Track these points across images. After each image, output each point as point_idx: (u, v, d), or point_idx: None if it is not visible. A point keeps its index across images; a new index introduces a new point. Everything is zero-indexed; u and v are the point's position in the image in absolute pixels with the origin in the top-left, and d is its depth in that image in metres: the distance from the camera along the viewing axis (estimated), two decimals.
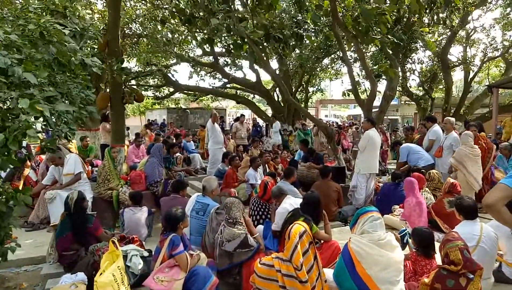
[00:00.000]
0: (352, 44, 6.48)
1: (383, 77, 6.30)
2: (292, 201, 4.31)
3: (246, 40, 5.85)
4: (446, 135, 7.22)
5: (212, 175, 8.27)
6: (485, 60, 18.88)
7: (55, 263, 4.00)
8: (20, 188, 6.73)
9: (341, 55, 17.85)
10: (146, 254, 3.66)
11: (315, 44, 12.64)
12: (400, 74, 16.21)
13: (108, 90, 6.86)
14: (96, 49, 6.68)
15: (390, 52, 7.58)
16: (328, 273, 3.18)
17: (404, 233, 3.99)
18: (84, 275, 3.24)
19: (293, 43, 6.62)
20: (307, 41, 9.71)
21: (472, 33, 18.19)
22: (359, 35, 5.58)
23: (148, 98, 21.07)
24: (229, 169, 7.05)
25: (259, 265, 3.08)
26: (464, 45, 18.70)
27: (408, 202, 5.35)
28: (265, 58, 6.94)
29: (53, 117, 2.63)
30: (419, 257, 3.43)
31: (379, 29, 5.70)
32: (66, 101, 3.06)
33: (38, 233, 5.55)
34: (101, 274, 3.02)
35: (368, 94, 7.90)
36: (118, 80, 6.28)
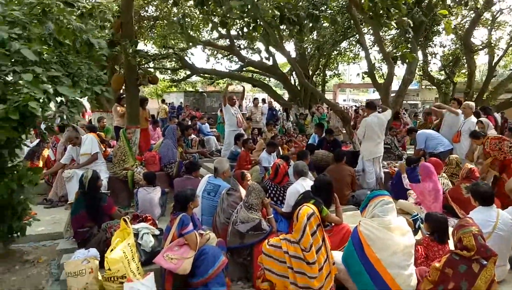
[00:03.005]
0: (369, 26, 6.28)
1: (401, 60, 6.10)
2: (305, 183, 4.29)
3: (260, 22, 5.74)
4: (465, 120, 7.02)
5: (225, 157, 8.32)
6: (510, 43, 18.16)
7: (71, 239, 4.11)
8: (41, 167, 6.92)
9: (358, 38, 17.58)
10: (157, 232, 3.72)
11: (332, 27, 12.35)
12: (421, 57, 15.76)
13: (122, 72, 6.87)
14: (110, 30, 6.67)
15: (411, 34, 7.35)
16: (337, 256, 3.16)
17: (416, 217, 3.93)
18: (96, 251, 3.32)
19: (310, 25, 6.45)
20: (324, 23, 9.48)
21: (498, 15, 17.47)
22: (376, 17, 5.39)
23: (165, 81, 21.18)
24: (242, 151, 7.05)
25: (267, 246, 3.09)
26: (489, 28, 17.98)
27: (424, 186, 5.26)
28: (279, 41, 6.80)
29: (58, 98, 2.64)
30: (432, 242, 3.38)
31: (397, 11, 5.50)
32: (75, 78, 3.06)
33: (56, 210, 5.72)
34: (112, 250, 3.09)
35: (385, 78, 7.73)
36: (132, 63, 6.29)
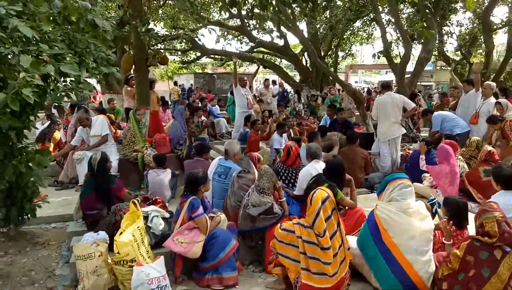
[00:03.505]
0: (385, 3, 6.03)
1: (418, 38, 5.87)
2: (318, 166, 4.17)
3: (271, 0, 5.55)
4: (484, 100, 6.76)
5: (235, 139, 8.23)
6: None
7: (81, 222, 4.08)
8: (51, 149, 6.92)
9: (372, 16, 17.11)
10: (167, 215, 3.66)
11: (345, 5, 11.99)
12: (437, 37, 15.28)
13: (132, 52, 6.74)
14: (120, 10, 6.52)
15: (428, 11, 7.05)
16: (352, 240, 3.07)
17: (433, 201, 3.80)
18: (105, 234, 3.27)
19: (324, 3, 6.23)
20: (337, 1, 9.17)
21: None
22: None
23: (175, 63, 21.00)
24: (251, 132, 6.94)
25: (279, 230, 2.99)
26: (509, 5, 17.28)
27: (440, 169, 5.10)
28: (292, 19, 6.57)
29: (63, 78, 2.53)
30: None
31: None
32: (81, 57, 2.95)
33: (67, 192, 5.71)
34: (121, 233, 3.03)
35: (400, 58, 7.44)
36: (143, 42, 6.15)
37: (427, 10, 6.94)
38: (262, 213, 3.49)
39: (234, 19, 16.63)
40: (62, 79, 3.07)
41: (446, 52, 18.09)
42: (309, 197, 2.88)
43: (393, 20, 14.90)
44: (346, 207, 3.76)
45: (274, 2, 5.49)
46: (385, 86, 6.25)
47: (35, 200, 4.09)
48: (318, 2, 5.70)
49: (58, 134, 7.17)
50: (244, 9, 11.06)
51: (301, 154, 4.92)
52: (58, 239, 4.06)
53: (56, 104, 3.07)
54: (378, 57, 7.10)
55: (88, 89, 3.31)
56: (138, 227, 3.09)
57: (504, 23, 17.56)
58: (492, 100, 6.65)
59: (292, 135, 7.83)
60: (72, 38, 3.31)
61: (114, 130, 6.53)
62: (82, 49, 3.33)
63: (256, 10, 5.52)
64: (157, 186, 4.90)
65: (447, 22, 14.91)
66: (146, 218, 3.44)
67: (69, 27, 3.16)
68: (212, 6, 14.79)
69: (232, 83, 8.81)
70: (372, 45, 21.99)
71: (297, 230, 2.84)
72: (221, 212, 3.64)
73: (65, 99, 3.26)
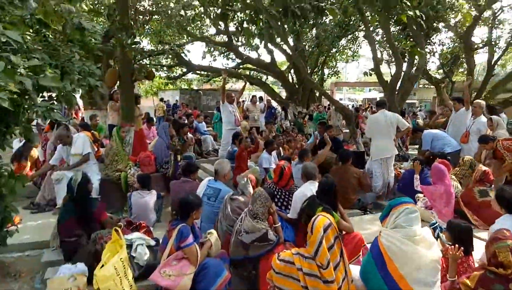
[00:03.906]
0: (377, 19, 5.98)
1: (408, 56, 5.84)
2: (312, 187, 3.96)
3: (261, 15, 5.44)
4: (474, 119, 6.73)
5: (224, 157, 7.99)
6: (511, 41, 17.97)
7: (57, 250, 3.76)
8: (28, 168, 6.54)
9: (358, 35, 17.31)
10: (153, 243, 3.38)
11: (332, 23, 12.06)
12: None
13: (117, 67, 6.52)
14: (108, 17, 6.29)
15: (416, 28, 7.05)
16: (353, 270, 2.85)
17: (435, 225, 3.63)
18: (84, 266, 2.97)
19: (313, 18, 6.14)
20: (327, 19, 9.16)
21: (498, 14, 17.25)
22: (387, 10, 5.11)
23: (161, 78, 20.78)
24: (239, 149, 6.72)
25: (277, 261, 2.75)
26: (489, 25, 17.77)
27: (435, 189, 4.96)
28: (284, 35, 6.46)
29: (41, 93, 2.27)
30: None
31: (407, 3, 5.20)
32: (64, 69, 2.70)
33: (44, 215, 5.32)
34: (102, 266, 2.74)
35: (388, 76, 7.40)
36: (128, 56, 5.93)
37: (414, 27, 6.93)
38: (255, 240, 3.25)
39: (221, 35, 16.56)
40: (40, 95, 2.80)
41: (428, 70, 18.37)
42: (310, 225, 2.66)
43: (380, 38, 15.19)
44: (343, 232, 3.55)
45: (263, 17, 5.37)
46: (380, 104, 6.15)
47: (7, 226, 3.75)
48: (310, 16, 5.60)
49: (35, 152, 6.80)
50: (233, 24, 10.99)
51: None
52: (31, 269, 3.72)
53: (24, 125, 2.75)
54: (370, 75, 7.04)
55: (73, 104, 3.05)
56: (121, 258, 2.81)
57: (484, 43, 18.05)
58: (483, 118, 6.62)
59: (282, 153, 7.66)
60: (53, 50, 3.07)
61: (96, 148, 6.21)
62: (65, 61, 3.07)
63: (245, 25, 5.39)
64: (141, 209, 4.61)
65: (430, 40, 15.14)
66: (129, 246, 3.16)
67: (47, 32, 2.91)
68: (199, 22, 14.68)
69: (219, 99, 8.64)
70: (358, 62, 22.33)
71: (297, 261, 2.61)
72: (210, 231, 3.37)
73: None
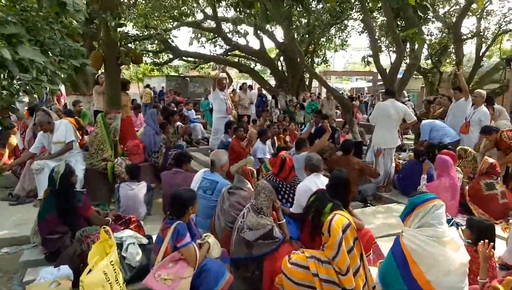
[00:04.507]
0: (379, 3, 5.67)
1: (409, 43, 5.57)
2: (318, 180, 3.67)
3: None
4: (475, 109, 6.54)
5: (215, 147, 7.65)
6: (498, 33, 18.01)
7: (39, 246, 3.40)
8: (6, 157, 6.10)
9: (347, 24, 17.04)
10: (145, 241, 3.05)
11: (326, 9, 11.73)
12: (409, 46, 15.42)
13: (101, 50, 6.05)
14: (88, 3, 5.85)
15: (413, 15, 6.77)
16: (371, 272, 2.58)
17: (451, 223, 3.40)
18: (68, 269, 2.62)
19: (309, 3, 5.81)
20: (321, 4, 8.82)
21: (487, 4, 17.18)
22: None
23: (147, 64, 20.16)
24: (233, 140, 6.39)
25: (288, 264, 2.46)
26: (478, 16, 17.72)
27: (439, 183, 4.75)
28: (281, 18, 6.10)
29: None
30: (476, 253, 2.84)
31: None
32: (44, 47, 2.31)
33: (23, 208, 4.91)
34: (89, 271, 2.40)
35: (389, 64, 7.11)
36: (114, 38, 5.49)
37: (411, 13, 6.62)
38: (260, 237, 2.95)
39: (209, 20, 16.05)
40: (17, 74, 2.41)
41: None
42: (326, 225, 2.37)
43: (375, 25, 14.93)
44: None
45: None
46: (390, 93, 5.86)
47: None
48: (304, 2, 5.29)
49: (14, 139, 6.34)
50: (224, 7, 10.53)
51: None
52: (9, 269, 3.35)
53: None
54: (368, 63, 6.75)
55: (58, 84, 2.67)
56: (111, 261, 2.47)
57: (473, 34, 18.02)
58: (484, 108, 6.42)
59: (277, 143, 7.37)
60: (33, 23, 2.67)
61: (80, 136, 5.79)
62: (45, 38, 2.68)
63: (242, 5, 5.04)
64: (131, 202, 4.27)
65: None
66: (120, 245, 2.83)
67: (25, 6, 2.52)
68: (186, 6, 14.13)
69: (207, 86, 8.29)
70: (346, 51, 22.14)
71: (312, 266, 2.33)
72: (207, 234, 3.06)
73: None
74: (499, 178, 5.02)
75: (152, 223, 4.32)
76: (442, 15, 15.76)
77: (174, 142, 6.27)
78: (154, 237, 3.17)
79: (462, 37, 17.04)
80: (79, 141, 5.46)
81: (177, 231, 2.62)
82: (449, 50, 18.48)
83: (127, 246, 2.86)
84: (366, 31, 6.14)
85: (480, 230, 2.84)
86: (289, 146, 7.21)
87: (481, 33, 17.78)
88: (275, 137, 7.30)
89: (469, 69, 19.76)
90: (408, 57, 14.23)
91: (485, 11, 17.60)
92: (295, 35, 16.63)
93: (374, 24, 16.41)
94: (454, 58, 18.32)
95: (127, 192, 4.30)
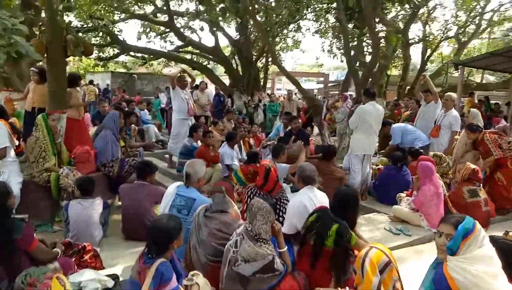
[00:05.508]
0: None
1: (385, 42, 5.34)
2: (312, 195, 3.18)
3: None
4: (445, 112, 6.46)
5: (174, 152, 6.93)
6: (442, 39, 18.96)
7: None
8: None
9: (301, 25, 16.92)
10: (110, 284, 2.37)
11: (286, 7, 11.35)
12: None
13: (43, 38, 5.10)
14: None
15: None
16: None
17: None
18: None
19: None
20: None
21: (432, 11, 17.97)
22: None
23: (89, 59, 18.64)
24: (201, 147, 5.75)
25: None
26: (424, 21, 18.49)
27: (424, 192, 4.50)
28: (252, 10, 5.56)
29: None
30: None
31: None
32: None
33: None
34: None
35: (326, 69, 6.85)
36: (60, 24, 4.60)
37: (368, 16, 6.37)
38: (258, 271, 2.39)
39: (161, 14, 15.08)
40: None
41: (365, 63, 18.70)
42: (358, 261, 1.89)
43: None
44: (355, 251, 2.85)
45: None
46: (370, 95, 5.49)
47: None
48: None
49: None
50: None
51: None
52: None
53: None
54: (341, 61, 6.43)
55: None
56: None
57: (420, 38, 18.77)
58: (454, 112, 6.36)
59: (242, 147, 6.83)
60: None
61: (16, 141, 4.83)
62: None
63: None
64: (83, 225, 3.50)
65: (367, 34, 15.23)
66: None
67: None
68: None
69: (156, 85, 7.53)
70: (302, 51, 22.20)
71: None
72: (195, 272, 2.44)
73: None
74: (481, 185, 4.89)
75: (110, 250, 3.61)
76: (392, 20, 16.16)
77: (135, 150, 5.51)
78: (118, 272, 2.51)
79: (410, 42, 17.67)
80: (14, 147, 4.52)
81: (161, 274, 1.99)
82: (396, 53, 19.08)
83: None
84: (339, 32, 5.83)
85: (505, 253, 2.49)
86: (255, 150, 6.69)
87: (427, 38, 18.60)
88: (240, 141, 6.76)
89: (413, 72, 20.72)
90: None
91: (430, 17, 18.41)
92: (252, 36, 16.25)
93: (326, 26, 16.59)
94: (401, 63, 19.05)
95: (81, 212, 3.52)
